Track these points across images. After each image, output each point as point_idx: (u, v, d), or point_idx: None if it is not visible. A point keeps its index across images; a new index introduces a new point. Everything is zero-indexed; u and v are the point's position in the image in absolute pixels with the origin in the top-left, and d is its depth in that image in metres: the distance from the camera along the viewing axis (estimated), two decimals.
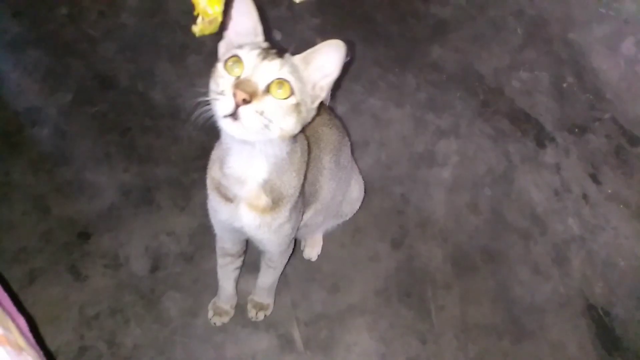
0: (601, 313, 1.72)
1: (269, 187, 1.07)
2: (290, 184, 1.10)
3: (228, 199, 1.11)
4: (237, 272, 1.51)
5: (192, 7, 1.99)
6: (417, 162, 1.96)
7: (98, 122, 1.87)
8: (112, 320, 1.53)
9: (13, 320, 0.95)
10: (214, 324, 1.56)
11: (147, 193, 1.74)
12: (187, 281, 1.61)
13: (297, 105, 0.92)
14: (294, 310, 1.62)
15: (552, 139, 2.07)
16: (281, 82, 0.90)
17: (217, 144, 1.14)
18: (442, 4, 2.39)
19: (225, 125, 0.90)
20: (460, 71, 2.21)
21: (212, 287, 1.61)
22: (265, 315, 1.57)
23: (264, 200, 1.08)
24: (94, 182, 1.75)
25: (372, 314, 1.65)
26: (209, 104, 0.90)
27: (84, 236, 1.65)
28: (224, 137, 1.01)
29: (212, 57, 2.02)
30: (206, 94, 0.92)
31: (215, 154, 1.14)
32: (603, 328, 1.70)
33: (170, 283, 1.60)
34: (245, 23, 0.98)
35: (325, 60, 0.95)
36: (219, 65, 0.93)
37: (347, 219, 1.65)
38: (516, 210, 1.89)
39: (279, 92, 0.90)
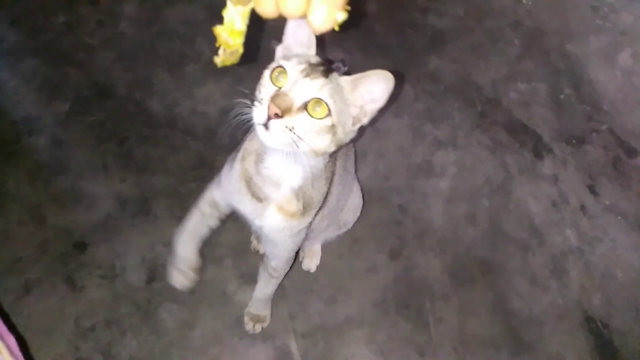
0: (599, 325, 1.72)
1: (301, 193, 1.07)
2: (320, 192, 1.11)
3: (257, 197, 1.10)
4: (209, 233, 1.41)
5: (191, 21, 1.99)
6: (415, 172, 1.95)
7: (95, 132, 1.86)
8: (108, 332, 1.52)
9: (2, 339, 0.94)
10: (180, 287, 1.46)
11: (144, 203, 1.73)
12: (183, 292, 1.59)
13: (333, 126, 0.92)
14: (291, 322, 1.61)
15: (550, 150, 2.07)
16: (319, 101, 0.90)
17: (252, 134, 1.11)
18: (440, 15, 2.40)
19: (259, 131, 0.91)
20: (458, 82, 2.21)
21: (209, 298, 1.61)
22: (262, 327, 1.56)
23: (295, 205, 1.09)
24: (91, 192, 1.74)
25: (370, 326, 1.64)
26: (249, 107, 0.92)
27: (80, 246, 1.64)
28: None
29: (210, 67, 2.04)
30: (248, 96, 0.93)
31: (251, 145, 1.11)
32: (601, 340, 1.70)
33: (166, 294, 1.59)
34: (300, 34, 0.98)
35: (373, 88, 0.95)
36: (266, 73, 0.94)
37: (349, 228, 1.64)
38: (514, 222, 1.89)
39: (316, 111, 0.90)
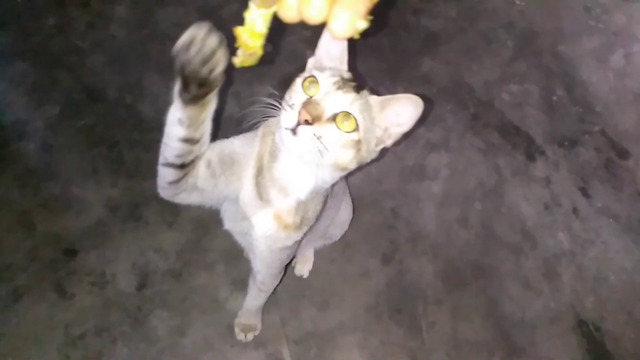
0: (592, 328, 1.72)
1: (302, 207, 1.05)
2: (315, 210, 1.10)
3: (259, 192, 1.04)
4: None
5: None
6: (408, 176, 1.95)
7: (85, 136, 1.84)
8: (98, 340, 1.51)
9: None
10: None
11: (134, 208, 1.72)
12: (174, 299, 1.59)
13: (358, 142, 0.92)
14: (284, 328, 1.60)
15: (542, 153, 2.07)
16: (348, 115, 0.90)
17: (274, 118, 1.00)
18: (433, 17, 2.39)
19: (285, 136, 0.90)
20: (450, 84, 2.20)
21: (201, 305, 1.60)
22: (254, 336, 1.55)
23: (292, 217, 1.06)
24: (81, 198, 1.72)
25: (362, 331, 1.63)
26: (273, 109, 0.92)
27: (70, 253, 1.63)
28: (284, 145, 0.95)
29: None
30: (274, 97, 0.93)
31: (273, 124, 1.02)
32: (594, 343, 1.70)
33: (157, 301, 1.58)
34: (333, 49, 0.98)
35: (402, 111, 0.95)
36: (298, 81, 0.94)
37: (336, 240, 1.63)
38: (506, 225, 1.89)
39: (344, 124, 0.90)
